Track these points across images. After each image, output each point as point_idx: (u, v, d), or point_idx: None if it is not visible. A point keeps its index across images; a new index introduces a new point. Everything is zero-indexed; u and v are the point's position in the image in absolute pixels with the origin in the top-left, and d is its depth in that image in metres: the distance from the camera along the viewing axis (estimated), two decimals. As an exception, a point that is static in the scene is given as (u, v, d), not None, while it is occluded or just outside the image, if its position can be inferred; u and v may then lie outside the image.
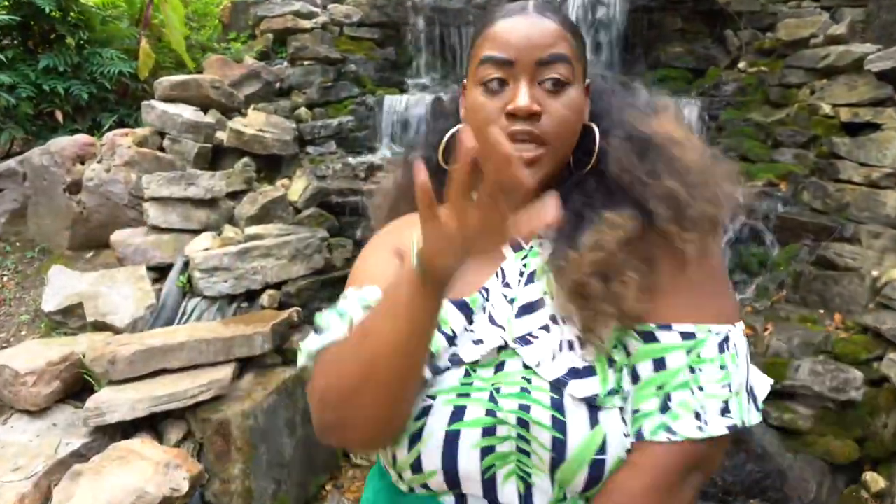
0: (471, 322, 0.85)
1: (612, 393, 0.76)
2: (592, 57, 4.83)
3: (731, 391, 0.78)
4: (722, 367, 0.78)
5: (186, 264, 3.20)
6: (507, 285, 0.87)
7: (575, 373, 0.77)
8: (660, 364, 0.78)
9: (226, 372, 2.66)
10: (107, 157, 3.52)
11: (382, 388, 0.75)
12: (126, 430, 2.56)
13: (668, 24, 4.91)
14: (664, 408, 0.77)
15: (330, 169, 3.96)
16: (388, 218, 1.02)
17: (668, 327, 0.79)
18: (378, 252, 0.93)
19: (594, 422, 0.74)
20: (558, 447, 0.74)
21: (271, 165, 4.07)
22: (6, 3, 4.13)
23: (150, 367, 2.62)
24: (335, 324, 0.84)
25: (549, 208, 0.60)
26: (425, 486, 0.80)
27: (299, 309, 3.21)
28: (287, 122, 4.27)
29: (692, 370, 0.77)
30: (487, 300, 0.86)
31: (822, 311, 3.20)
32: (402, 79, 5.12)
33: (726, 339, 0.79)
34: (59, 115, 4.30)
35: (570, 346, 0.79)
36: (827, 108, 3.76)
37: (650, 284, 0.79)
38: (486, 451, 0.76)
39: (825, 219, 3.49)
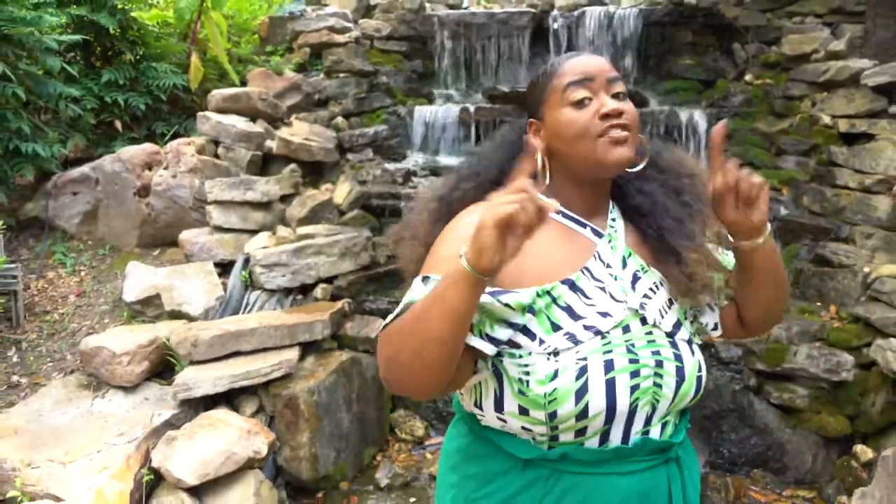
0: (587, 297, 1.08)
1: (694, 333, 1.16)
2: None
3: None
4: None
5: (247, 260, 3.58)
6: (608, 266, 1.12)
7: (678, 324, 1.13)
8: None
9: (293, 353, 3.04)
10: (173, 164, 3.91)
11: (432, 364, 0.93)
12: (207, 404, 2.94)
13: (680, 37, 5.25)
14: None
15: (370, 175, 4.32)
16: (429, 228, 1.17)
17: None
18: (447, 243, 1.08)
19: (693, 352, 1.11)
20: (680, 373, 1.07)
21: (314, 171, 4.44)
22: (72, 23, 4.52)
23: (227, 350, 3.00)
24: (404, 305, 1.01)
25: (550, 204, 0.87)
26: (581, 431, 1.03)
27: (350, 300, 3.59)
28: (328, 131, 4.63)
29: None
30: (595, 279, 1.10)
31: (818, 304, 3.53)
32: (430, 90, 5.45)
33: None
34: (117, 125, 4.69)
35: (670, 304, 1.14)
36: (827, 119, 4.05)
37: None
38: (634, 388, 1.03)
39: (823, 221, 3.81)
